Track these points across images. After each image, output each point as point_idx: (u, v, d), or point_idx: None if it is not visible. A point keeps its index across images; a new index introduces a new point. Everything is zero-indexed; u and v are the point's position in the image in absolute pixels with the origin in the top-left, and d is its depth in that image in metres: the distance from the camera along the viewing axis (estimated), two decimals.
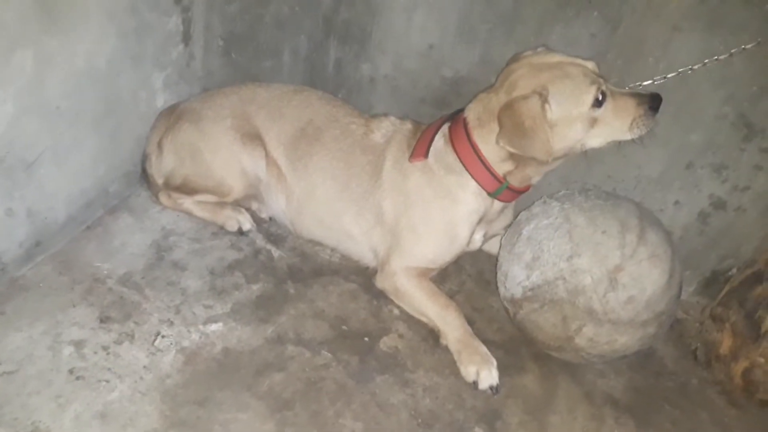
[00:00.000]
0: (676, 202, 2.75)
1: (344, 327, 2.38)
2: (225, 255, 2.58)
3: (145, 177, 2.76)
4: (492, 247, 2.72)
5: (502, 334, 2.52)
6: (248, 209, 2.78)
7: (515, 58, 2.27)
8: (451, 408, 2.16)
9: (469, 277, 2.79)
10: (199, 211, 2.70)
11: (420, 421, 2.08)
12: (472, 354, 2.27)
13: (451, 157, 2.33)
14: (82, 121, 2.33)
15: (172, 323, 2.22)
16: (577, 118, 2.10)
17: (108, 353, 2.05)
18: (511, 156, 2.21)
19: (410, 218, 2.42)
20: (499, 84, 2.23)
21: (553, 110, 2.08)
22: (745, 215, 2.67)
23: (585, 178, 2.80)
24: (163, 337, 2.16)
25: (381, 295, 2.53)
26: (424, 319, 2.44)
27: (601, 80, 2.10)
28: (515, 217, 2.51)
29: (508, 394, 2.26)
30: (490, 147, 2.22)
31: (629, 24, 2.49)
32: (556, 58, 2.17)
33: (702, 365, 2.62)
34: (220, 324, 2.26)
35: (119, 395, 1.93)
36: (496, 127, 2.14)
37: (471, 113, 2.29)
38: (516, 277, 2.32)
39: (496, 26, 2.67)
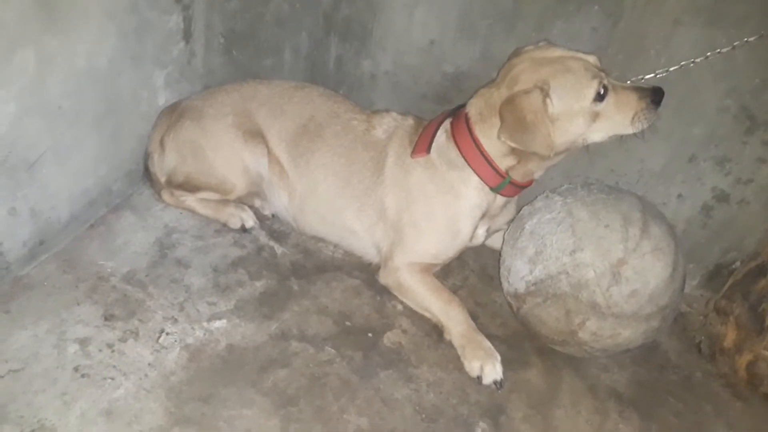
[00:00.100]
0: (679, 196, 2.74)
1: (348, 323, 2.38)
2: (228, 252, 2.58)
3: (147, 175, 2.76)
4: (495, 242, 2.72)
5: (506, 329, 2.52)
6: (251, 206, 2.78)
7: (516, 53, 2.26)
8: (455, 403, 2.16)
9: (472, 272, 2.80)
10: (201, 209, 2.71)
11: (424, 416, 2.09)
12: (476, 349, 2.27)
13: (454, 153, 2.33)
14: (84, 121, 2.34)
15: (176, 320, 2.22)
16: (579, 112, 2.09)
17: (113, 351, 2.06)
18: (513, 151, 2.21)
19: (413, 214, 2.42)
20: (500, 79, 2.23)
21: (555, 105, 2.08)
22: (748, 208, 2.67)
23: (587, 172, 2.80)
24: (167, 334, 2.16)
25: (384, 291, 2.54)
26: (427, 314, 2.44)
27: (603, 74, 2.10)
28: (518, 211, 2.51)
29: (512, 388, 2.26)
30: (492, 142, 2.22)
31: (630, 18, 2.48)
32: (557, 52, 2.17)
33: (706, 358, 2.62)
34: (224, 321, 2.26)
35: (124, 392, 1.94)
36: (497, 122, 2.14)
37: (472, 108, 2.29)
38: (519, 272, 2.32)
39: (496, 22, 2.67)
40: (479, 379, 2.24)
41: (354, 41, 2.94)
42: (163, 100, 2.76)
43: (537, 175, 2.34)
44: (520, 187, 2.36)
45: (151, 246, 2.51)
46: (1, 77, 1.93)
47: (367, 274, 2.61)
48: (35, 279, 2.25)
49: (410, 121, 2.56)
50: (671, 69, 2.39)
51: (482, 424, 2.10)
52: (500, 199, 2.41)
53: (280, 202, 2.71)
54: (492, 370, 2.23)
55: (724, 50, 2.31)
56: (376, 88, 3.03)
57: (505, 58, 2.30)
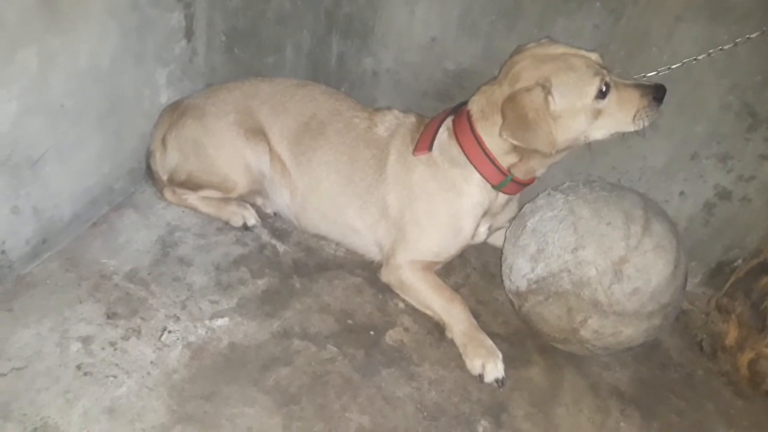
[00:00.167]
0: (681, 193, 2.74)
1: (350, 321, 2.38)
2: (230, 250, 2.58)
3: (149, 173, 2.77)
4: (497, 239, 2.72)
5: (508, 327, 2.53)
6: (253, 204, 2.79)
7: (518, 50, 2.26)
8: (456, 401, 2.16)
9: (474, 270, 2.80)
10: (203, 207, 2.71)
11: (426, 414, 2.09)
12: (478, 347, 2.28)
13: (455, 150, 2.33)
14: (86, 119, 2.34)
15: (178, 319, 2.23)
16: (581, 109, 2.09)
17: (115, 349, 2.07)
18: (515, 148, 2.20)
19: (415, 211, 2.42)
20: (502, 76, 2.23)
21: (557, 102, 2.07)
22: (750, 205, 2.66)
23: (589, 170, 2.79)
24: (169, 332, 2.17)
25: (386, 289, 2.54)
26: (429, 312, 2.44)
27: (605, 71, 2.10)
28: (520, 209, 2.51)
29: (514, 386, 2.26)
30: (494, 139, 2.22)
31: (632, 14, 2.48)
32: (559, 49, 2.16)
33: (708, 356, 2.62)
34: (226, 319, 2.27)
35: (127, 390, 1.94)
36: (499, 120, 2.14)
37: (474, 106, 2.29)
38: (521, 270, 2.32)
39: (498, 18, 2.67)
40: (481, 377, 2.24)
41: (356, 38, 2.93)
42: (165, 98, 2.77)
43: (539, 172, 2.34)
44: (522, 185, 2.36)
45: (153, 244, 2.52)
46: (3, 76, 1.94)
47: (369, 272, 2.61)
48: (38, 277, 2.26)
49: (412, 118, 2.55)
50: (673, 66, 2.38)
51: (484, 422, 2.11)
52: (502, 197, 2.41)
53: (282, 200, 2.71)
54: (493, 368, 2.23)
55: (726, 47, 2.31)
56: (377, 85, 3.03)
57: (506, 55, 2.30)
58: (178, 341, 2.15)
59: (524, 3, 2.60)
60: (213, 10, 2.82)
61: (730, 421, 2.34)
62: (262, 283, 2.46)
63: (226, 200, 2.72)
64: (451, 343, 2.35)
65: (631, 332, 2.19)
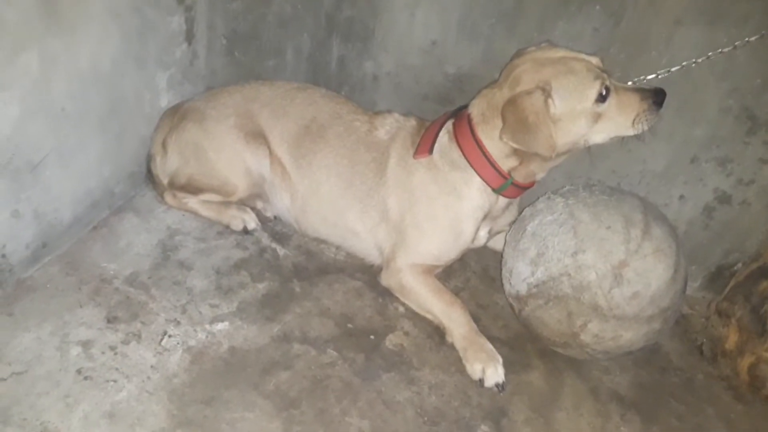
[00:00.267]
0: (681, 197, 2.74)
1: (350, 325, 2.38)
2: (230, 254, 2.59)
3: (150, 177, 2.77)
4: (497, 243, 2.72)
5: (508, 331, 2.53)
6: (253, 208, 2.79)
7: (519, 54, 2.26)
8: (457, 405, 2.16)
9: (474, 274, 2.80)
10: (204, 211, 2.71)
11: (426, 418, 2.09)
12: (478, 351, 2.27)
13: (456, 154, 2.33)
14: (87, 123, 2.34)
15: (178, 323, 2.23)
16: (581, 113, 2.09)
17: (115, 353, 2.07)
18: (515, 152, 2.20)
19: (415, 215, 2.42)
20: (502, 80, 2.23)
21: (557, 105, 2.07)
22: (750, 209, 2.66)
23: (589, 174, 2.79)
24: (169, 336, 2.17)
25: (386, 293, 2.54)
26: (429, 316, 2.44)
27: (605, 75, 2.10)
28: (520, 213, 2.51)
29: (514, 391, 2.26)
30: (494, 143, 2.22)
31: (632, 18, 2.48)
32: (559, 53, 2.17)
33: (708, 360, 2.62)
34: (227, 323, 2.27)
35: (127, 395, 1.94)
36: (499, 123, 2.14)
37: (475, 109, 2.29)
38: (521, 274, 2.32)
39: (498, 22, 2.67)
40: (481, 381, 2.24)
41: (356, 42, 2.93)
42: (165, 101, 2.77)
43: (539, 176, 2.34)
44: (522, 189, 2.36)
45: (153, 248, 2.52)
46: (4, 79, 1.94)
47: (369, 275, 2.61)
48: (38, 281, 2.26)
49: (412, 122, 2.56)
50: (673, 69, 2.38)
51: (484, 427, 2.11)
52: (502, 201, 2.41)
53: (282, 203, 2.71)
54: (494, 373, 2.23)
55: (726, 50, 2.31)
56: (378, 89, 3.03)
57: (506, 59, 2.30)
58: (179, 345, 2.15)
59: (524, 6, 2.61)
60: (214, 13, 2.83)
61: (730, 426, 2.34)
62: (262, 287, 2.46)
63: (227, 204, 2.72)
64: (451, 347, 2.35)
65: (631, 336, 2.19)
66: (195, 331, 2.21)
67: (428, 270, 2.49)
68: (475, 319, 2.42)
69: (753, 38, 2.27)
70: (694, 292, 2.86)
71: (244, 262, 2.56)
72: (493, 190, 2.33)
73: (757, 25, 2.29)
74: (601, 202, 2.26)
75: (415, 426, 2.05)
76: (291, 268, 2.59)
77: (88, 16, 2.18)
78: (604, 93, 2.08)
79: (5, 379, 1.90)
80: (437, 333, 2.41)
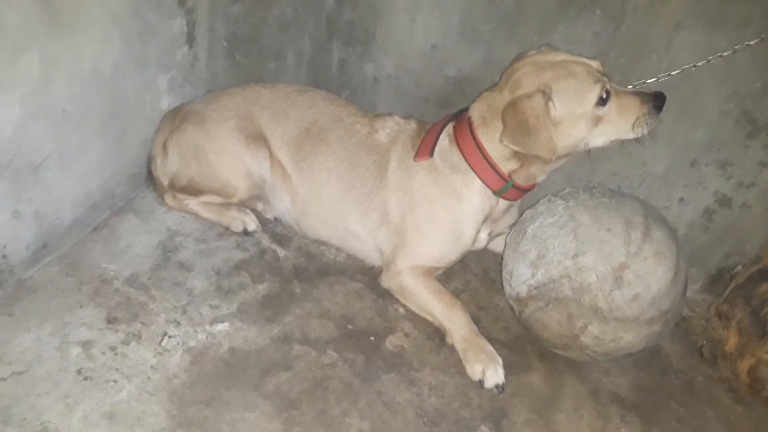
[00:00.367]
0: (681, 200, 2.75)
1: (350, 326, 2.38)
2: (231, 255, 2.59)
3: (150, 178, 2.77)
4: (497, 245, 2.73)
5: (508, 333, 2.53)
6: (253, 210, 2.79)
7: (519, 57, 2.27)
8: (457, 407, 2.16)
9: (474, 276, 2.80)
10: (204, 212, 2.72)
11: (426, 419, 2.09)
12: (478, 353, 2.28)
13: (456, 156, 2.33)
14: (88, 124, 2.35)
15: (178, 323, 2.23)
16: (581, 116, 2.10)
17: (115, 354, 2.06)
18: (516, 154, 2.21)
19: (416, 217, 2.43)
20: (503, 83, 2.24)
21: (557, 108, 2.08)
22: (750, 212, 2.67)
23: (590, 176, 2.80)
24: (170, 337, 2.17)
25: (386, 294, 2.54)
26: (429, 317, 2.44)
27: (606, 79, 2.11)
28: (520, 215, 2.51)
29: (514, 392, 2.26)
30: (495, 146, 2.23)
31: (632, 22, 2.49)
32: (560, 56, 2.18)
33: (708, 363, 2.62)
34: (227, 324, 2.27)
35: (127, 395, 1.94)
36: (500, 126, 2.15)
37: (475, 112, 2.30)
38: (521, 276, 2.33)
39: (498, 26, 2.68)
40: (481, 382, 2.24)
41: (357, 45, 2.95)
42: (166, 103, 2.77)
43: (539, 178, 2.35)
44: (522, 191, 2.36)
45: (154, 249, 2.52)
46: (6, 81, 1.94)
47: (369, 277, 2.61)
48: (38, 282, 2.26)
49: (413, 124, 2.56)
50: (673, 73, 2.40)
51: (484, 428, 2.10)
52: (503, 203, 2.41)
53: (282, 205, 2.72)
54: (494, 374, 2.23)
55: (726, 54, 2.32)
56: (378, 91, 3.05)
57: (507, 62, 2.31)
58: (179, 346, 2.14)
59: (524, 10, 2.62)
60: (215, 16, 2.83)
61: (730, 428, 2.34)
62: (262, 288, 2.47)
63: (227, 205, 2.72)
64: (452, 348, 2.35)
65: (631, 338, 2.20)
66: (195, 331, 2.21)
67: (428, 272, 2.49)
68: (476, 320, 2.42)
69: (753, 42, 2.29)
70: (695, 294, 2.87)
71: (244, 264, 2.56)
72: (494, 192, 2.34)
73: (757, 29, 2.31)
74: (602, 205, 2.27)
75: (415, 427, 2.05)
76: (291, 270, 2.60)
77: (89, 19, 2.19)
78: (604, 96, 2.09)
79: (5, 379, 1.90)
80: (437, 334, 2.41)
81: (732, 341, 2.52)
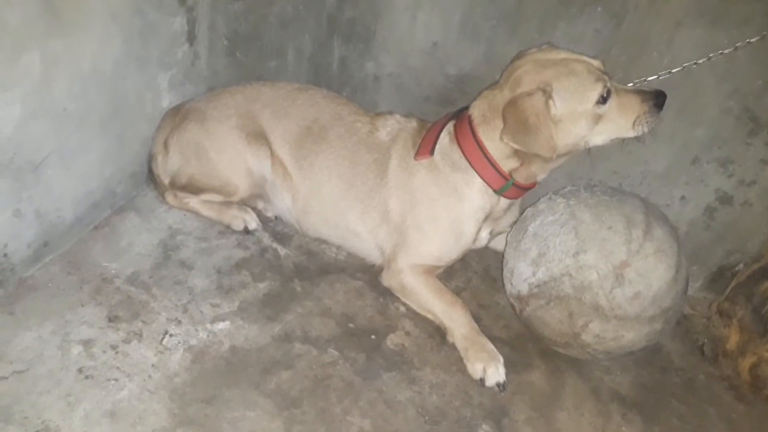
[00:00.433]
0: (682, 197, 2.74)
1: (351, 325, 2.38)
2: (232, 254, 2.59)
3: (151, 177, 2.77)
4: (498, 244, 2.73)
5: (509, 331, 2.53)
6: (254, 208, 2.79)
7: (520, 55, 2.26)
8: (458, 405, 2.16)
9: (475, 274, 2.80)
10: (205, 211, 2.72)
11: (427, 418, 2.09)
12: (479, 351, 2.28)
13: (457, 155, 2.33)
14: (89, 123, 2.35)
15: (179, 322, 2.23)
16: (582, 114, 2.10)
17: (116, 352, 2.07)
18: (516, 153, 2.21)
19: (416, 216, 2.42)
20: (503, 81, 2.23)
21: (558, 107, 2.08)
22: (751, 210, 2.66)
23: (590, 174, 2.79)
24: (171, 335, 2.17)
25: (387, 293, 2.54)
26: (430, 316, 2.44)
27: (606, 77, 2.10)
28: (521, 213, 2.51)
29: (515, 390, 2.26)
30: (495, 144, 2.23)
31: (633, 20, 2.48)
32: (561, 55, 2.17)
33: (709, 361, 2.62)
34: (228, 322, 2.27)
35: (128, 394, 1.94)
36: (500, 124, 2.14)
37: (476, 110, 2.29)
38: (522, 274, 2.32)
39: (499, 23, 2.68)
40: (482, 381, 2.24)
41: (357, 43, 2.94)
42: (167, 102, 2.77)
43: (540, 177, 2.34)
44: (523, 190, 2.36)
45: (154, 248, 2.52)
46: (6, 80, 1.94)
47: (370, 275, 2.61)
48: (40, 280, 2.26)
49: (413, 123, 2.56)
50: (674, 70, 2.39)
51: (485, 426, 2.10)
52: (503, 202, 2.41)
53: (283, 204, 2.72)
54: (495, 373, 2.23)
55: (727, 51, 2.31)
56: (379, 90, 3.04)
57: (508, 60, 2.30)
58: (180, 345, 2.15)
59: (525, 8, 2.61)
60: (215, 14, 2.83)
61: (731, 426, 2.34)
62: (263, 286, 2.47)
63: (228, 204, 2.72)
64: (453, 347, 2.35)
65: (632, 336, 2.19)
66: (196, 330, 2.21)
67: (429, 270, 2.49)
68: (477, 319, 2.42)
69: (754, 39, 2.28)
70: (696, 292, 2.86)
71: (245, 262, 2.56)
72: (494, 191, 2.33)
73: (758, 26, 2.30)
74: (603, 203, 2.26)
75: (416, 425, 2.05)
76: (292, 268, 2.60)
77: (89, 17, 2.19)
78: (605, 95, 2.08)
79: (7, 378, 1.91)
80: (438, 333, 2.41)
81: (733, 339, 2.51)
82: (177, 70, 2.76)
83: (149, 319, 2.21)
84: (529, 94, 2.07)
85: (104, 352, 2.06)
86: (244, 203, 2.76)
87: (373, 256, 2.62)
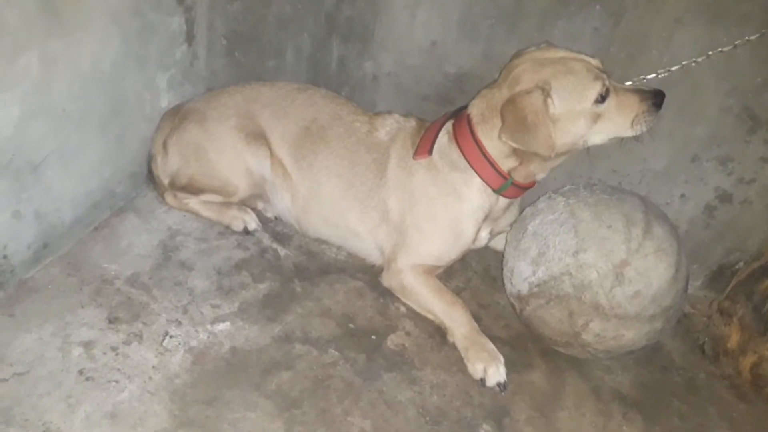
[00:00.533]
0: (682, 196, 2.74)
1: (351, 325, 2.38)
2: (231, 254, 2.58)
3: (150, 178, 2.77)
4: (498, 243, 2.73)
5: (509, 331, 2.53)
6: (254, 209, 2.79)
7: (518, 54, 2.26)
8: (458, 405, 2.16)
9: (475, 274, 2.80)
10: (204, 211, 2.71)
11: (428, 418, 2.09)
12: (479, 351, 2.27)
13: (456, 154, 2.33)
14: (88, 123, 2.34)
15: (180, 323, 2.23)
16: (580, 113, 2.09)
17: (117, 354, 2.07)
18: (515, 152, 2.20)
19: (415, 216, 2.42)
20: (501, 79, 2.23)
21: (556, 105, 2.07)
22: (751, 208, 2.66)
23: (590, 173, 2.79)
24: (171, 337, 2.17)
25: (387, 293, 2.54)
26: (430, 316, 2.44)
27: (605, 76, 2.10)
28: (521, 213, 2.51)
29: (516, 390, 2.26)
30: (494, 143, 2.22)
31: (632, 17, 2.48)
32: (559, 53, 2.17)
33: (710, 360, 2.62)
34: (228, 323, 2.27)
35: (128, 395, 1.94)
36: (499, 123, 2.14)
37: (474, 109, 2.29)
38: (522, 273, 2.32)
39: (498, 22, 2.67)
40: (482, 381, 2.24)
41: (356, 42, 2.94)
42: (166, 102, 2.77)
43: (539, 176, 2.34)
44: (522, 189, 2.36)
45: (154, 248, 2.52)
46: (5, 80, 1.94)
47: (370, 276, 2.61)
48: (39, 282, 2.26)
49: (412, 122, 2.56)
50: (673, 68, 2.38)
51: (486, 426, 2.10)
52: (503, 201, 2.41)
53: (283, 204, 2.71)
54: (495, 372, 2.23)
55: (726, 49, 2.31)
56: (378, 89, 3.03)
57: (507, 59, 2.30)
58: (180, 346, 2.14)
59: (524, 6, 2.61)
60: (214, 14, 2.83)
61: (732, 425, 2.34)
62: (263, 287, 2.46)
63: (227, 204, 2.72)
64: (453, 347, 2.35)
65: (632, 335, 2.19)
66: (196, 331, 2.21)
67: (429, 270, 2.49)
68: (477, 318, 2.42)
69: (753, 37, 2.27)
70: (696, 291, 2.86)
71: (245, 263, 2.56)
72: (494, 190, 2.33)
73: (758, 24, 2.30)
74: (602, 202, 2.26)
75: (416, 426, 2.05)
76: (292, 269, 2.59)
77: (88, 18, 2.18)
78: (603, 94, 2.08)
79: (7, 380, 1.90)
80: (438, 333, 2.41)
81: (734, 338, 2.51)
82: (176, 70, 2.76)
83: (149, 320, 2.21)
84: (528, 92, 2.07)
85: (104, 353, 2.06)
86: (244, 204, 2.76)
87: (373, 256, 2.62)
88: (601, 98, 2.08)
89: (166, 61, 2.68)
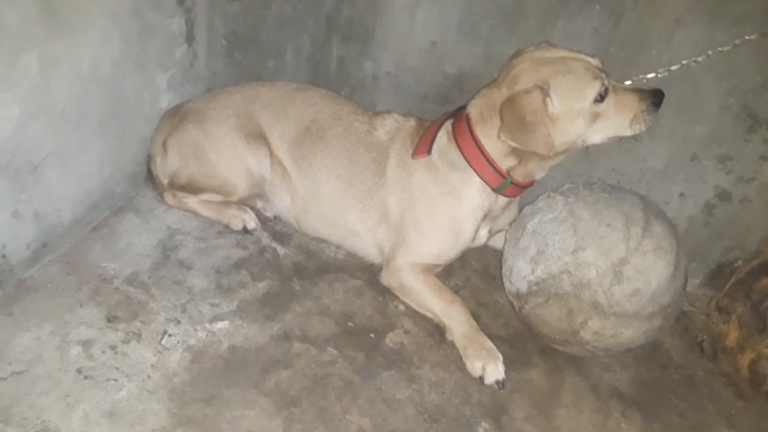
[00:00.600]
0: (681, 194, 2.74)
1: (350, 323, 2.38)
2: (230, 253, 2.59)
3: (150, 177, 2.78)
4: (497, 242, 2.72)
5: (508, 329, 2.53)
6: (253, 208, 2.79)
7: (518, 54, 2.26)
8: (457, 403, 2.16)
9: (474, 273, 2.80)
10: (204, 211, 2.72)
11: (426, 416, 2.09)
12: (478, 349, 2.28)
13: (455, 154, 2.33)
14: (88, 124, 2.35)
15: (178, 322, 2.23)
16: (579, 112, 2.09)
17: (116, 352, 2.07)
18: (514, 151, 2.21)
19: (415, 215, 2.42)
20: (501, 79, 2.23)
21: (555, 104, 2.08)
22: (750, 206, 2.66)
23: (589, 172, 2.79)
24: (170, 335, 2.17)
25: (386, 292, 2.54)
26: (429, 314, 2.44)
27: (604, 75, 2.10)
28: (520, 211, 2.51)
29: (515, 388, 2.26)
30: (493, 142, 2.22)
31: (631, 17, 2.48)
32: (559, 53, 2.17)
33: (708, 357, 2.62)
34: (227, 322, 2.27)
35: (127, 394, 1.95)
36: (498, 122, 2.14)
37: (473, 109, 2.29)
38: (521, 272, 2.32)
39: (498, 22, 2.67)
40: (481, 379, 2.24)
41: (356, 43, 2.94)
42: (165, 102, 2.78)
43: (538, 175, 2.34)
44: (521, 188, 2.36)
45: (153, 248, 2.52)
46: (5, 81, 1.95)
47: (369, 274, 2.62)
48: (38, 281, 2.27)
49: (412, 122, 2.56)
50: (672, 68, 2.39)
51: (484, 424, 2.11)
52: (502, 200, 2.41)
53: (282, 203, 2.72)
54: (494, 370, 2.23)
55: (725, 48, 2.31)
56: (378, 89, 3.04)
57: (506, 59, 2.30)
58: (179, 344, 2.15)
59: (524, 6, 2.61)
60: (213, 14, 2.83)
61: (730, 422, 2.34)
62: (262, 286, 2.47)
63: (227, 204, 2.72)
64: (452, 345, 2.35)
65: (631, 333, 2.19)
66: (195, 330, 2.21)
67: (428, 269, 2.49)
68: (476, 317, 2.42)
69: (753, 36, 2.28)
70: (695, 289, 2.86)
71: (244, 262, 2.56)
72: (493, 189, 2.33)
73: (757, 23, 2.30)
74: (601, 200, 2.26)
75: (415, 423, 2.06)
76: (291, 267, 2.60)
77: (88, 18, 2.19)
78: (602, 93, 2.08)
79: (6, 379, 1.91)
80: (437, 331, 2.41)
81: (732, 336, 2.51)
82: (175, 70, 2.76)
83: (148, 319, 2.21)
84: (527, 91, 2.07)
85: (103, 352, 2.06)
86: (243, 203, 2.76)
87: (372, 255, 2.62)
88: (600, 97, 2.08)
89: (166, 62, 2.69)
